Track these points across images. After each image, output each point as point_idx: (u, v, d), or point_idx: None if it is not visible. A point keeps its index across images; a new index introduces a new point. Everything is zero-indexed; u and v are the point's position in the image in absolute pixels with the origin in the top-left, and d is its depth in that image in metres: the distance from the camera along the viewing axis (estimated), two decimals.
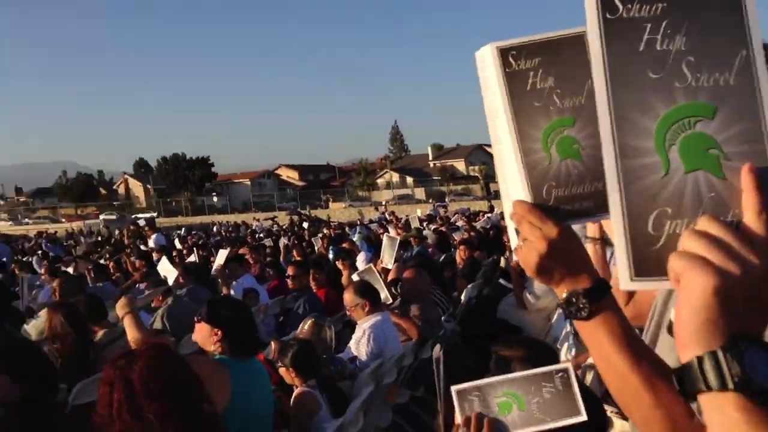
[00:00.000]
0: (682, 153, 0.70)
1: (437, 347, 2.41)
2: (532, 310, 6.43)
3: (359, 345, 4.93)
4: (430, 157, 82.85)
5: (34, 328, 4.63)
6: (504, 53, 0.97)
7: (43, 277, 10.17)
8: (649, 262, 0.73)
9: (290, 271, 7.22)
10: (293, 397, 3.56)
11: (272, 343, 4.14)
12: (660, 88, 0.70)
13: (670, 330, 1.22)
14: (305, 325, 4.69)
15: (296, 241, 14.48)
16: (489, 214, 21.56)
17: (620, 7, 0.70)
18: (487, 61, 0.99)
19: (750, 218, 0.68)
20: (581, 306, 1.01)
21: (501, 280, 8.81)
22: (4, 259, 15.80)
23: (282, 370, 3.60)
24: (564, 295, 1.04)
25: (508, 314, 6.69)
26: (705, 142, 0.69)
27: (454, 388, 1.88)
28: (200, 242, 18.56)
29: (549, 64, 0.97)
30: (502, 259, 11.33)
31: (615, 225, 0.73)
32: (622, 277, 0.75)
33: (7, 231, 40.47)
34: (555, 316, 6.08)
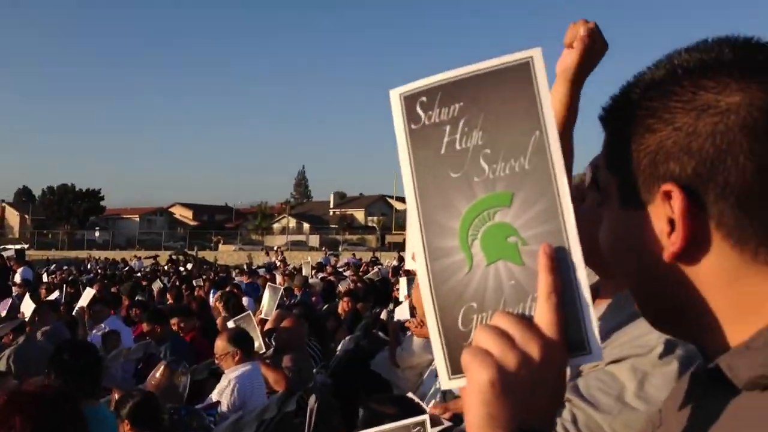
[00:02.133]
0: (483, 246, 0.70)
1: (312, 398, 2.27)
2: (404, 367, 6.41)
3: (222, 395, 4.73)
4: (331, 205, 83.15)
5: None
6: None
7: None
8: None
9: (145, 326, 6.80)
10: None
11: (114, 392, 3.87)
12: (461, 186, 0.70)
13: None
14: (157, 371, 4.45)
15: (177, 283, 13.95)
16: (379, 266, 21.69)
17: (422, 115, 0.72)
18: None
19: (540, 301, 0.68)
20: None
21: (380, 333, 8.81)
22: None
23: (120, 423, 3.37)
24: None
25: (382, 368, 6.63)
26: (504, 230, 0.70)
27: None
28: (70, 278, 17.39)
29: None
30: (385, 312, 11.40)
31: (430, 328, 0.71)
32: (441, 377, 0.73)
33: None
34: (426, 373, 6.08)
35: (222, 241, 60.56)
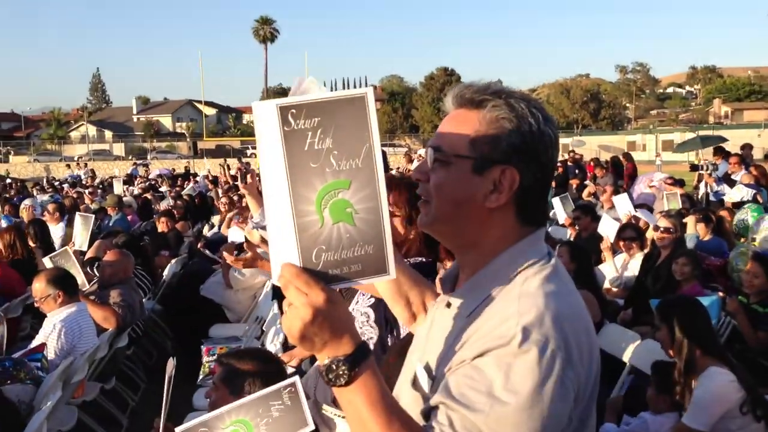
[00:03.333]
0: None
1: (171, 363, 2.19)
2: (238, 288, 6.44)
3: (48, 341, 4.49)
4: (134, 111, 78.00)
5: None
6: (284, 111, 1.04)
7: None
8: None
9: None
10: None
11: None
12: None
13: (414, 384, 1.27)
14: None
15: None
16: (197, 178, 20.98)
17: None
18: (264, 116, 1.05)
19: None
20: (341, 373, 1.04)
21: (206, 251, 8.69)
22: None
23: None
24: (325, 362, 1.05)
25: (213, 292, 6.61)
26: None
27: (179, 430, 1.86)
28: None
29: (328, 125, 1.06)
30: (207, 227, 11.20)
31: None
32: None
33: None
34: (261, 296, 6.16)
35: (12, 153, 54.88)
